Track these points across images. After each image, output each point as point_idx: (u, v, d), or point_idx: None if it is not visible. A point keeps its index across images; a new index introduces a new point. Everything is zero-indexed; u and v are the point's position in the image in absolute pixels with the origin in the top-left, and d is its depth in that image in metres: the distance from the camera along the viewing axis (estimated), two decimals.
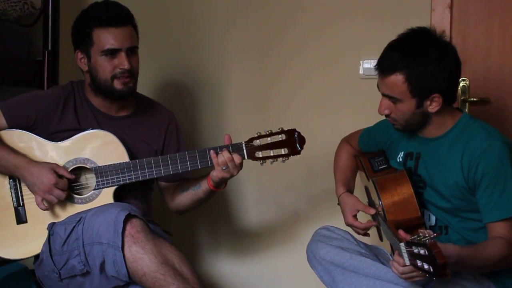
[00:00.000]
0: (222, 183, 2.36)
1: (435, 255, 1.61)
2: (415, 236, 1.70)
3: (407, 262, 1.76)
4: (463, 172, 2.06)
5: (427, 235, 1.67)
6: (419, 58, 2.05)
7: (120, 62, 2.35)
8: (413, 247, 1.69)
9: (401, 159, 2.28)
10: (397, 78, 2.05)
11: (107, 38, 2.34)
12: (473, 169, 2.03)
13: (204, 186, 2.39)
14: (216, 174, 2.30)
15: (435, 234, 1.68)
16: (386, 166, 2.35)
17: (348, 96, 2.96)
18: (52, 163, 2.27)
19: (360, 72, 2.94)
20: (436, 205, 2.16)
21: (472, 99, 2.82)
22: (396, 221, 2.07)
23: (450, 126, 2.14)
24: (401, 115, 2.11)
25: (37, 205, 2.25)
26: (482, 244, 1.98)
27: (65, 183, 2.24)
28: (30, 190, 2.27)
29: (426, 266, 1.65)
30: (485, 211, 2.02)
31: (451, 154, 2.11)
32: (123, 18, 2.38)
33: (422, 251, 1.66)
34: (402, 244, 1.76)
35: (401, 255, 1.80)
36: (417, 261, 1.69)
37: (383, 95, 2.12)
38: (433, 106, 2.08)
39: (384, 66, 2.08)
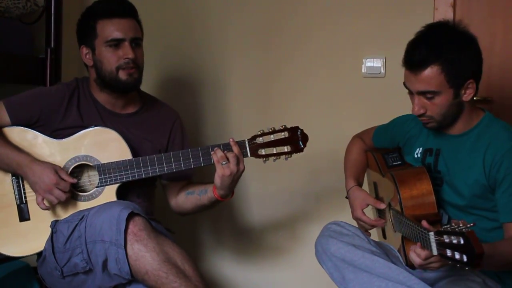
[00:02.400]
0: (225, 187, 2.32)
1: (473, 244, 1.59)
2: (448, 226, 1.68)
3: (435, 252, 1.73)
4: (485, 170, 2.05)
5: (461, 225, 1.65)
6: (449, 47, 2.04)
7: (125, 52, 2.35)
8: (445, 236, 1.67)
9: (419, 155, 2.26)
10: (433, 71, 2.03)
11: (111, 28, 2.35)
12: (495, 168, 2.02)
13: (209, 193, 2.39)
14: (218, 173, 2.28)
15: (471, 224, 1.66)
16: (400, 162, 2.34)
17: (350, 94, 2.97)
18: (55, 165, 2.27)
19: (363, 70, 2.94)
20: (451, 204, 2.15)
21: (474, 98, 2.81)
22: (413, 215, 2.05)
23: (474, 124, 2.14)
24: (438, 109, 2.08)
25: (38, 204, 2.25)
26: (500, 243, 1.98)
27: (66, 185, 2.24)
28: (32, 189, 2.27)
29: (457, 256, 1.63)
30: (503, 211, 2.02)
31: (473, 151, 2.10)
32: (127, 10, 2.40)
33: (455, 241, 1.63)
34: (431, 233, 1.73)
35: (426, 246, 1.78)
36: (447, 250, 1.66)
37: (418, 93, 2.08)
38: (467, 94, 2.07)
39: (417, 62, 2.04)
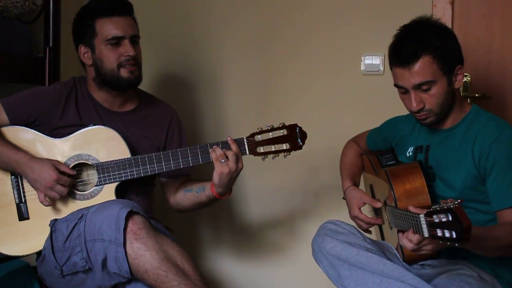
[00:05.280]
0: (224, 185, 2.32)
1: (461, 218, 1.61)
2: (436, 206, 1.69)
3: (426, 234, 1.73)
4: (474, 160, 2.07)
5: (449, 202, 1.67)
6: (434, 36, 2.08)
7: (125, 50, 2.36)
8: (434, 216, 1.68)
9: (410, 154, 2.28)
10: (425, 61, 2.06)
11: (110, 27, 2.36)
12: (484, 157, 2.05)
13: (207, 191, 2.39)
14: (216, 171, 2.28)
15: (459, 201, 1.67)
16: (394, 162, 2.35)
17: (349, 91, 2.97)
18: (53, 160, 2.27)
19: (362, 68, 2.94)
20: (445, 198, 2.14)
21: (473, 95, 2.82)
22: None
23: (462, 116, 2.17)
24: (435, 100, 2.10)
25: (41, 202, 2.25)
26: (493, 227, 2.00)
27: (66, 179, 2.24)
28: (32, 187, 2.27)
29: (447, 234, 1.64)
30: (495, 198, 2.04)
31: (463, 143, 2.12)
32: (125, 8, 2.40)
33: (444, 219, 1.65)
34: (421, 215, 1.74)
35: (417, 230, 1.78)
36: (437, 230, 1.67)
37: (414, 88, 2.09)
38: (458, 80, 2.11)
39: (408, 57, 2.07)
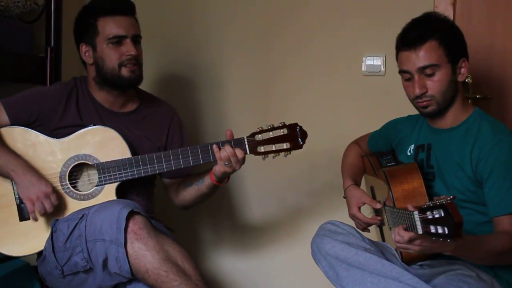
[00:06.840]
0: (224, 177, 2.37)
1: (452, 213, 1.63)
2: (429, 202, 1.71)
3: (420, 231, 1.75)
4: (472, 163, 2.08)
5: (442, 198, 1.69)
6: (443, 24, 2.15)
7: (127, 49, 2.36)
8: (428, 212, 1.70)
9: (411, 152, 2.29)
10: (432, 44, 2.10)
11: (112, 26, 2.36)
12: (482, 162, 2.06)
13: (207, 181, 2.39)
14: (218, 169, 2.30)
15: (452, 197, 1.69)
16: (394, 163, 2.37)
17: (350, 92, 2.97)
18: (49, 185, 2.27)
19: (363, 68, 2.94)
20: None
21: (474, 96, 2.81)
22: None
23: (464, 118, 2.18)
24: (439, 86, 2.12)
25: (29, 213, 2.24)
26: (485, 235, 2.01)
27: (56, 200, 2.24)
28: (22, 194, 2.25)
29: (440, 230, 1.66)
30: (492, 205, 2.05)
31: (461, 145, 2.13)
32: (127, 8, 2.41)
33: (437, 215, 1.67)
34: (415, 212, 1.76)
35: (412, 227, 1.79)
36: (431, 227, 1.69)
37: (418, 71, 2.12)
38: (462, 73, 2.15)
39: (416, 38, 2.11)
